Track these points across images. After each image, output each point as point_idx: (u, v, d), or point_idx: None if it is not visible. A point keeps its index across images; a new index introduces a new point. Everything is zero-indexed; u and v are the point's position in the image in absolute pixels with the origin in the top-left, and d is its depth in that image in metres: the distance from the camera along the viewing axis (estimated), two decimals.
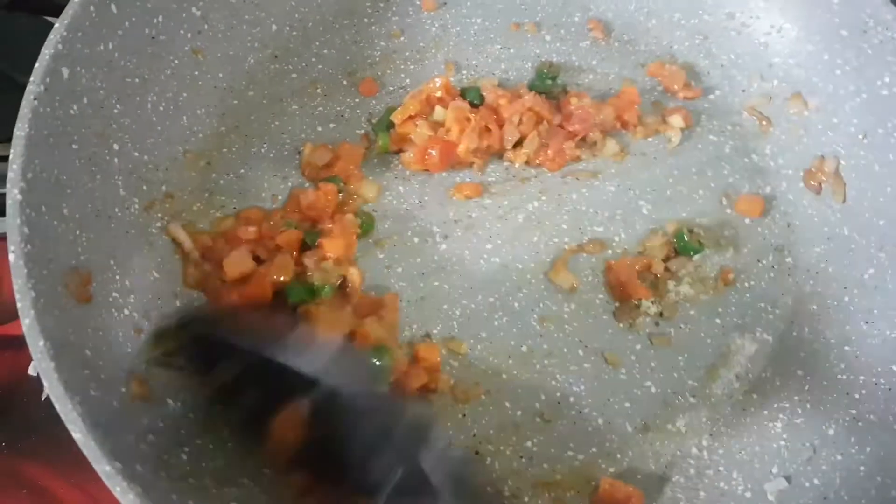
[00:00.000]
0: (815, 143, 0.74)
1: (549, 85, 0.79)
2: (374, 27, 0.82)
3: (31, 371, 0.76)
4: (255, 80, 0.77)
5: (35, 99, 0.57)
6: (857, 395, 0.64)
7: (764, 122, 0.77)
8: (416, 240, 0.71)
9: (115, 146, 0.64)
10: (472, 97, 0.75)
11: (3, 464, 0.72)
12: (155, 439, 0.54)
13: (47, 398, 0.75)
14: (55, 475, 0.72)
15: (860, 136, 0.71)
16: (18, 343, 0.78)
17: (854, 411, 0.64)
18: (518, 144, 0.75)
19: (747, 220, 0.74)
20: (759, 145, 0.77)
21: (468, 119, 0.72)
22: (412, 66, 0.80)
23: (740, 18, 0.78)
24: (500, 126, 0.74)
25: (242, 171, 0.73)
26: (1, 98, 0.83)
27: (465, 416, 0.64)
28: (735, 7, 0.78)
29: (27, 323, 0.50)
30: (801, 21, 0.75)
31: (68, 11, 0.61)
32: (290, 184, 0.73)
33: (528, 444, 0.64)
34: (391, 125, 0.74)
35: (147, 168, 0.67)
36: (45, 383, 0.48)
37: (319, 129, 0.76)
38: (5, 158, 0.83)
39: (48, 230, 0.55)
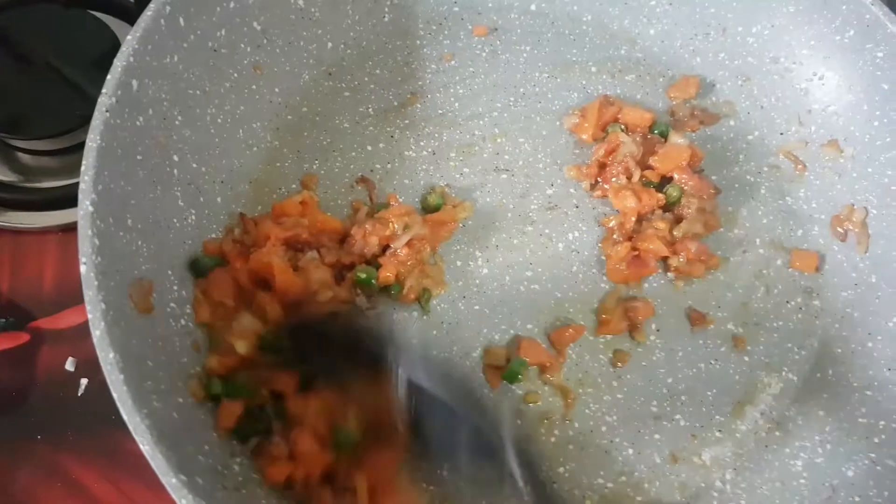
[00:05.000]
0: (848, 190, 0.76)
1: None
2: (426, 49, 0.83)
3: (69, 366, 0.78)
4: (309, 96, 0.78)
5: (107, 111, 0.58)
6: (876, 440, 0.66)
7: (799, 167, 0.78)
8: (458, 263, 0.73)
9: (175, 157, 0.65)
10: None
11: (40, 456, 0.74)
12: (210, 450, 0.55)
13: (83, 393, 0.76)
14: (89, 469, 0.74)
15: (894, 188, 0.73)
16: (56, 337, 0.79)
17: (874, 455, 0.66)
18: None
19: (779, 262, 0.76)
20: (794, 188, 0.78)
21: None
22: (461, 90, 0.81)
23: (784, 63, 0.80)
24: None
25: (294, 186, 0.74)
26: (51, 94, 0.85)
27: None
28: (779, 52, 0.80)
29: (97, 335, 0.51)
30: (843, 71, 0.76)
31: (140, 24, 0.62)
32: (339, 202, 0.74)
33: (561, 469, 0.66)
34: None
35: (204, 180, 0.68)
36: (115, 395, 0.50)
37: (369, 147, 0.77)
38: (53, 153, 0.86)
39: (115, 241, 0.56)
